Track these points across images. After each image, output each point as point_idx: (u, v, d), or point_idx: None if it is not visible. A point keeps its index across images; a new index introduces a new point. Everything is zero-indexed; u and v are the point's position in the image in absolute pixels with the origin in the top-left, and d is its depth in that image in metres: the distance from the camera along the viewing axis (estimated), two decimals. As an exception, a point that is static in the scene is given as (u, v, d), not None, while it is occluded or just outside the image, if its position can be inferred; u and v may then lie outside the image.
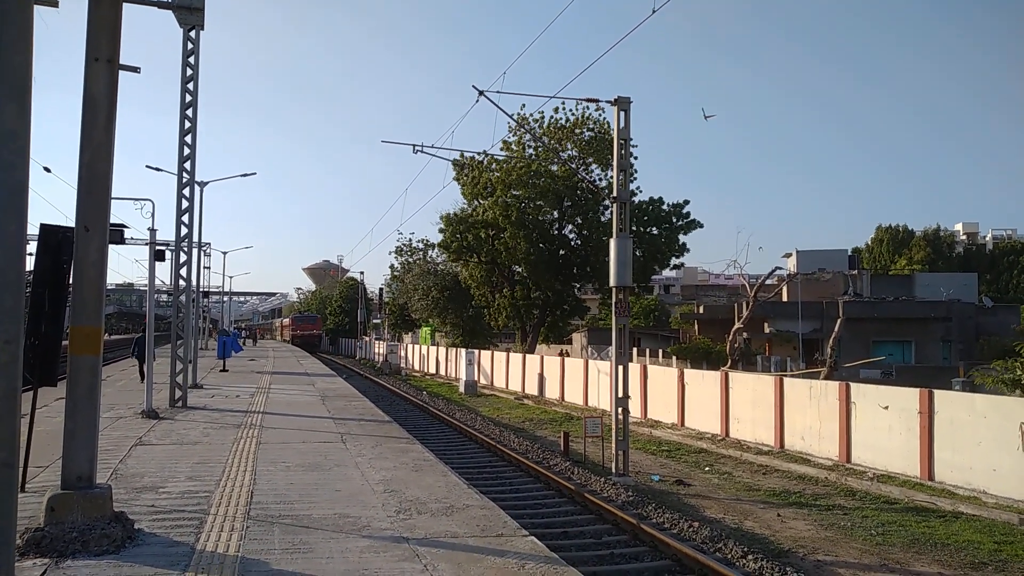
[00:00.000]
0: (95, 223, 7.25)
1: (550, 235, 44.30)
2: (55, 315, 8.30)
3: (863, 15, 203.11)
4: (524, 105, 41.84)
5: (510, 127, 41.74)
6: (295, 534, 7.52)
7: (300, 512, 8.43)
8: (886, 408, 16.35)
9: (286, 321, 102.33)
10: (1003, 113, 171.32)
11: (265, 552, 6.90)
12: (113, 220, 8.96)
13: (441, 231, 46.54)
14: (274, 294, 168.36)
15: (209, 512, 8.33)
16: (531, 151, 42.74)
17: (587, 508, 13.25)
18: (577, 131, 42.27)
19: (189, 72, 18.09)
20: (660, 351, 50.78)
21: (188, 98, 18.20)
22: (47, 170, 26.01)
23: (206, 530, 7.60)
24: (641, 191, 43.35)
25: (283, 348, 72.30)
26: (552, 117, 42.58)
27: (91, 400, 7.26)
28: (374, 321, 75.04)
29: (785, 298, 50.31)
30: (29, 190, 3.72)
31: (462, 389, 36.82)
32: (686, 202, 43.12)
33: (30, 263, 9.51)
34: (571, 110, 42.21)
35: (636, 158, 45.10)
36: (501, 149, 42.24)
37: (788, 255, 67.25)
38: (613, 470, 16.31)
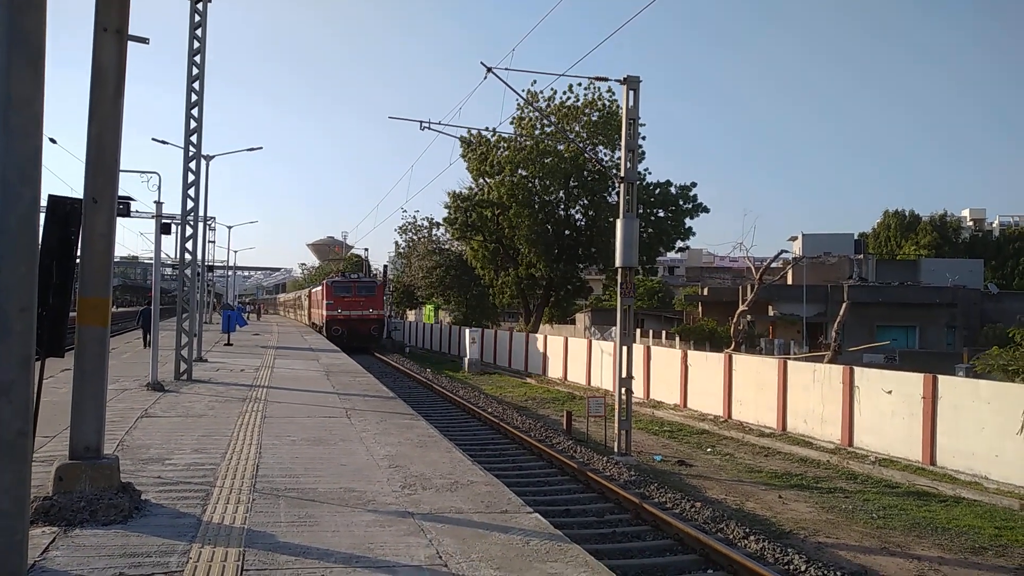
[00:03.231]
0: (103, 195, 7.24)
1: (556, 215, 44.23)
2: (63, 286, 8.28)
3: (865, 10, 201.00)
4: (535, 81, 41.60)
5: (519, 104, 41.55)
6: (301, 507, 7.57)
7: (306, 486, 8.47)
8: (889, 393, 16.37)
9: (316, 292, 57.68)
10: (1013, 99, 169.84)
11: (271, 524, 6.95)
12: (120, 193, 8.95)
13: (447, 207, 46.53)
14: (278, 269, 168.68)
15: (215, 484, 8.38)
16: (539, 130, 42.55)
17: (589, 487, 13.32)
18: (586, 112, 42.03)
19: (196, 45, 17.99)
20: (664, 332, 50.85)
21: (195, 71, 18.10)
22: (53, 141, 25.92)
23: (212, 502, 7.65)
24: (649, 172, 43.19)
25: (288, 324, 71.47)
26: (564, 95, 42.35)
27: (98, 371, 7.28)
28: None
29: (790, 281, 50.26)
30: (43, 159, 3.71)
31: (465, 367, 36.92)
32: (693, 184, 42.95)
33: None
34: (584, 87, 41.91)
35: (644, 138, 44.85)
36: (511, 123, 42.08)
37: (794, 238, 67.19)
38: (615, 450, 16.39)
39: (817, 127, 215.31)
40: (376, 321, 46.76)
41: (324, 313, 46.94)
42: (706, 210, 43.10)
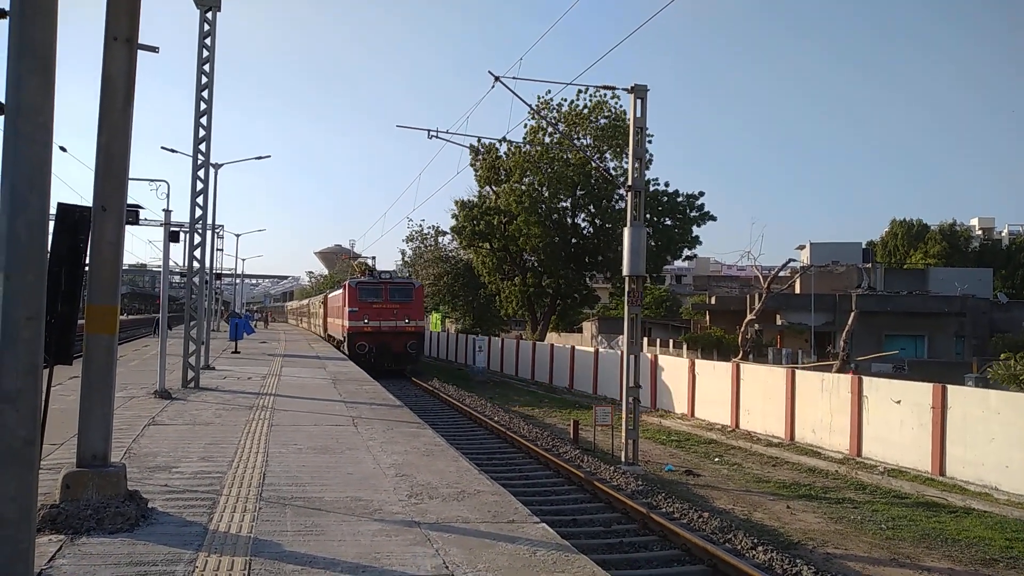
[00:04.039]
0: (112, 203, 7.26)
1: (563, 223, 44.25)
2: (71, 294, 8.30)
3: (875, 14, 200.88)
4: (549, 91, 41.62)
5: (531, 111, 41.57)
6: (307, 516, 7.55)
7: (312, 495, 8.45)
8: (898, 402, 16.27)
9: (334, 296, 46.49)
10: (1019, 108, 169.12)
11: (277, 534, 6.93)
12: (129, 201, 8.97)
13: (454, 216, 46.58)
14: (286, 277, 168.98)
15: (222, 493, 8.37)
16: (547, 138, 42.60)
17: (597, 496, 13.26)
18: (592, 118, 42.06)
19: (205, 54, 18.09)
20: (671, 341, 50.73)
21: (204, 80, 18.20)
22: (63, 149, 26.09)
23: (219, 510, 7.64)
24: (658, 182, 43.19)
25: (297, 332, 71.29)
26: (572, 102, 42.41)
27: (106, 379, 7.29)
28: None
29: (798, 290, 50.05)
30: (52, 167, 3.72)
31: (472, 375, 36.87)
32: (701, 193, 43.12)
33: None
34: (590, 95, 41.93)
35: (651, 142, 44.87)
36: (524, 137, 42.05)
37: (801, 247, 66.88)
38: (622, 459, 16.33)
39: (830, 134, 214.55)
40: (414, 335, 36.37)
41: (346, 324, 36.65)
42: (713, 218, 43.21)
